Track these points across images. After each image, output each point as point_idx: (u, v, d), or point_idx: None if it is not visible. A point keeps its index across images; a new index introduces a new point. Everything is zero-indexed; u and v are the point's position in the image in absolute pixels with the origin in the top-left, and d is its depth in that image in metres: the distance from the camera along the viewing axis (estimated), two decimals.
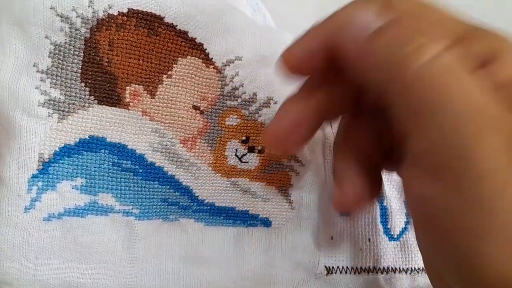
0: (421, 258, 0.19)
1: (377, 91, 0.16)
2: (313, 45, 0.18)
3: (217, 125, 0.24)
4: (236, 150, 0.25)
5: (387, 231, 0.25)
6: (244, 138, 0.25)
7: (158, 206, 0.24)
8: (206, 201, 0.24)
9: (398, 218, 0.26)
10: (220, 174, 0.24)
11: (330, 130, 0.26)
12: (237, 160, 0.25)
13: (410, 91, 0.15)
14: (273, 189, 0.25)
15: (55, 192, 0.22)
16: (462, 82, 0.14)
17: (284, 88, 0.25)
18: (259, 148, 0.25)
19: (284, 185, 0.26)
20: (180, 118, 0.23)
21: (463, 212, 0.14)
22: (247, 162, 0.25)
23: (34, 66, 0.21)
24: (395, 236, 0.25)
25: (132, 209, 0.23)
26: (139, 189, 0.23)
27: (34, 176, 0.21)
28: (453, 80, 0.14)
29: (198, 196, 0.24)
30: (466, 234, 0.14)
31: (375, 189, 0.21)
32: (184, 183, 0.24)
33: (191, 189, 0.24)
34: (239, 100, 0.24)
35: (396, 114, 0.16)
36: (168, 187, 0.24)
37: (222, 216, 0.25)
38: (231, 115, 0.24)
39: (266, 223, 0.25)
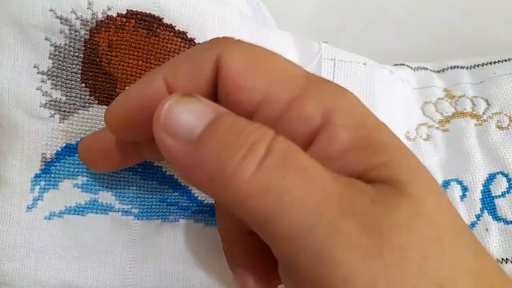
0: None
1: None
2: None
3: None
4: None
5: None
6: None
7: (158, 206, 0.24)
8: (206, 201, 0.25)
9: None
10: None
11: None
12: None
13: (247, 207, 0.13)
14: None
15: (57, 190, 0.22)
16: (298, 176, 0.13)
17: None
18: None
19: None
20: None
21: None
22: None
23: (34, 67, 0.21)
24: None
25: (131, 208, 0.23)
26: (138, 188, 0.23)
27: (37, 176, 0.22)
28: (288, 179, 0.13)
29: (197, 196, 0.24)
30: None
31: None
32: (183, 184, 0.24)
33: (190, 190, 0.24)
34: None
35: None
36: (167, 187, 0.24)
37: None
38: None
39: None
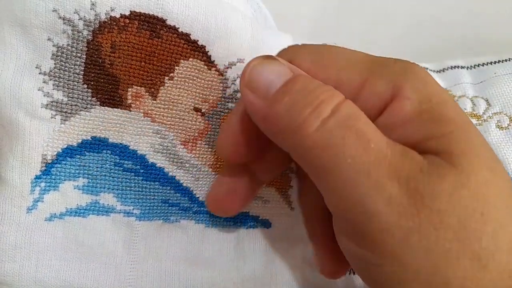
0: None
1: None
2: (232, 134, 0.20)
3: (218, 127, 0.24)
4: None
5: None
6: None
7: (159, 207, 0.24)
8: None
9: None
10: None
11: None
12: None
13: (307, 159, 0.16)
14: (273, 190, 0.25)
15: (57, 192, 0.22)
16: (356, 138, 0.15)
17: None
18: None
19: (284, 186, 0.26)
20: (181, 120, 0.23)
21: (378, 264, 0.15)
22: None
23: (36, 68, 0.21)
24: None
25: (133, 209, 0.23)
26: (140, 189, 0.23)
27: (37, 177, 0.21)
28: (346, 139, 0.15)
29: (198, 197, 0.24)
30: (389, 284, 0.15)
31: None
32: (184, 184, 0.24)
33: (192, 190, 0.24)
34: None
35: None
36: (169, 188, 0.24)
37: (222, 218, 0.25)
38: None
39: (266, 224, 0.25)
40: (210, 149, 0.24)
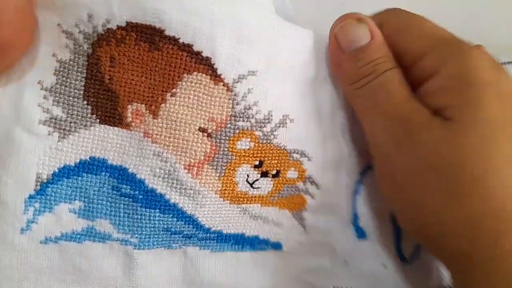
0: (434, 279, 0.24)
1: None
2: None
3: (226, 149, 0.21)
4: (248, 175, 0.22)
5: (400, 254, 0.24)
6: (256, 162, 0.22)
7: (160, 235, 0.21)
8: (213, 229, 0.22)
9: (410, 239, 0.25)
10: (228, 202, 0.22)
11: (351, 151, 0.24)
12: (248, 186, 0.22)
13: (354, 103, 0.22)
14: (286, 212, 0.23)
15: (52, 214, 0.21)
16: (385, 95, 0.21)
17: (301, 102, 0.22)
18: (274, 172, 0.22)
19: (299, 209, 0.23)
20: (184, 141, 0.21)
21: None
22: (259, 187, 0.22)
23: (38, 83, 0.20)
24: (408, 259, 0.25)
25: (130, 237, 0.21)
26: (138, 217, 0.21)
27: (31, 197, 0.20)
28: (379, 95, 0.21)
29: (204, 224, 0.22)
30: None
31: None
32: (188, 212, 0.21)
33: (196, 218, 0.22)
34: (252, 120, 0.21)
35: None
36: (171, 215, 0.21)
37: (230, 242, 0.23)
38: (243, 138, 0.21)
39: (277, 246, 0.23)
40: (217, 174, 0.21)
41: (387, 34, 0.21)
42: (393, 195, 0.21)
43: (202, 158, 0.21)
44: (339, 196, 0.24)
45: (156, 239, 0.21)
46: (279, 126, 0.22)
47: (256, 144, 0.21)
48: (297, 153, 0.22)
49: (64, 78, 0.20)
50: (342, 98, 0.23)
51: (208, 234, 0.22)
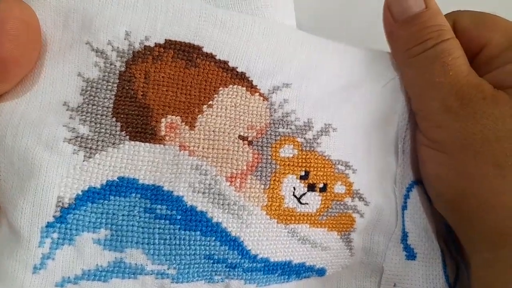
0: None
1: None
2: None
3: (269, 157, 0.20)
4: (294, 188, 0.20)
5: (446, 278, 0.22)
6: (302, 173, 0.20)
7: (201, 265, 0.18)
8: (260, 256, 0.19)
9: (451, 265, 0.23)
10: (276, 220, 0.19)
11: (402, 163, 0.23)
12: (296, 201, 0.20)
13: (407, 72, 0.22)
14: (335, 235, 0.21)
15: (72, 247, 0.17)
16: (441, 67, 0.21)
17: (345, 112, 0.21)
18: (321, 185, 0.20)
19: (347, 229, 0.21)
20: (224, 151, 0.19)
21: None
22: (307, 203, 0.20)
23: (64, 105, 0.19)
24: (452, 284, 0.23)
25: (167, 269, 0.18)
26: (177, 241, 0.18)
27: (49, 225, 0.17)
28: (435, 66, 0.21)
29: (250, 250, 0.19)
30: None
31: None
32: (233, 234, 0.19)
33: (242, 241, 0.19)
34: (292, 127, 0.20)
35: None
36: (214, 238, 0.18)
37: (277, 273, 0.20)
38: (285, 145, 0.20)
39: (321, 272, 0.21)
40: (262, 186, 0.19)
41: (462, 28, 0.22)
42: (437, 162, 0.21)
43: (245, 168, 0.19)
44: (388, 213, 0.22)
45: (196, 269, 0.18)
46: (321, 134, 0.21)
47: (300, 152, 0.20)
48: (342, 164, 0.21)
49: (92, 97, 0.19)
50: (394, 108, 0.23)
51: (255, 264, 0.19)
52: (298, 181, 0.20)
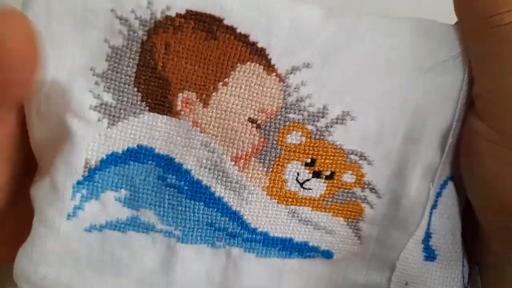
0: None
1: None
2: None
3: (275, 142, 0.20)
4: (298, 174, 0.21)
5: (463, 282, 0.22)
6: (308, 160, 0.20)
7: (204, 231, 0.21)
8: (259, 229, 0.21)
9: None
10: (276, 201, 0.21)
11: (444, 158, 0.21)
12: (298, 186, 0.21)
13: (486, 42, 0.18)
14: (341, 221, 0.21)
15: (98, 202, 0.20)
16: (489, 45, 0.18)
17: (370, 100, 0.20)
18: (328, 173, 0.20)
19: (355, 217, 0.21)
20: (233, 132, 0.20)
21: None
22: (310, 189, 0.21)
23: (91, 70, 0.20)
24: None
25: (174, 230, 0.21)
26: (183, 208, 0.20)
27: (79, 183, 0.20)
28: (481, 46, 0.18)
29: (250, 223, 0.21)
30: None
31: None
32: (233, 208, 0.21)
33: (242, 215, 0.21)
34: (305, 113, 0.20)
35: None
36: (215, 210, 0.21)
37: (278, 247, 0.21)
38: (293, 132, 0.20)
39: (327, 255, 0.22)
40: (265, 169, 0.20)
41: None
42: (504, 160, 0.19)
43: (250, 150, 0.20)
44: (414, 210, 0.21)
45: (199, 233, 0.21)
46: (336, 123, 0.20)
47: (308, 140, 0.20)
48: (356, 154, 0.21)
49: (116, 64, 0.20)
50: (444, 93, 0.20)
51: (254, 236, 0.21)
52: (303, 167, 0.21)
